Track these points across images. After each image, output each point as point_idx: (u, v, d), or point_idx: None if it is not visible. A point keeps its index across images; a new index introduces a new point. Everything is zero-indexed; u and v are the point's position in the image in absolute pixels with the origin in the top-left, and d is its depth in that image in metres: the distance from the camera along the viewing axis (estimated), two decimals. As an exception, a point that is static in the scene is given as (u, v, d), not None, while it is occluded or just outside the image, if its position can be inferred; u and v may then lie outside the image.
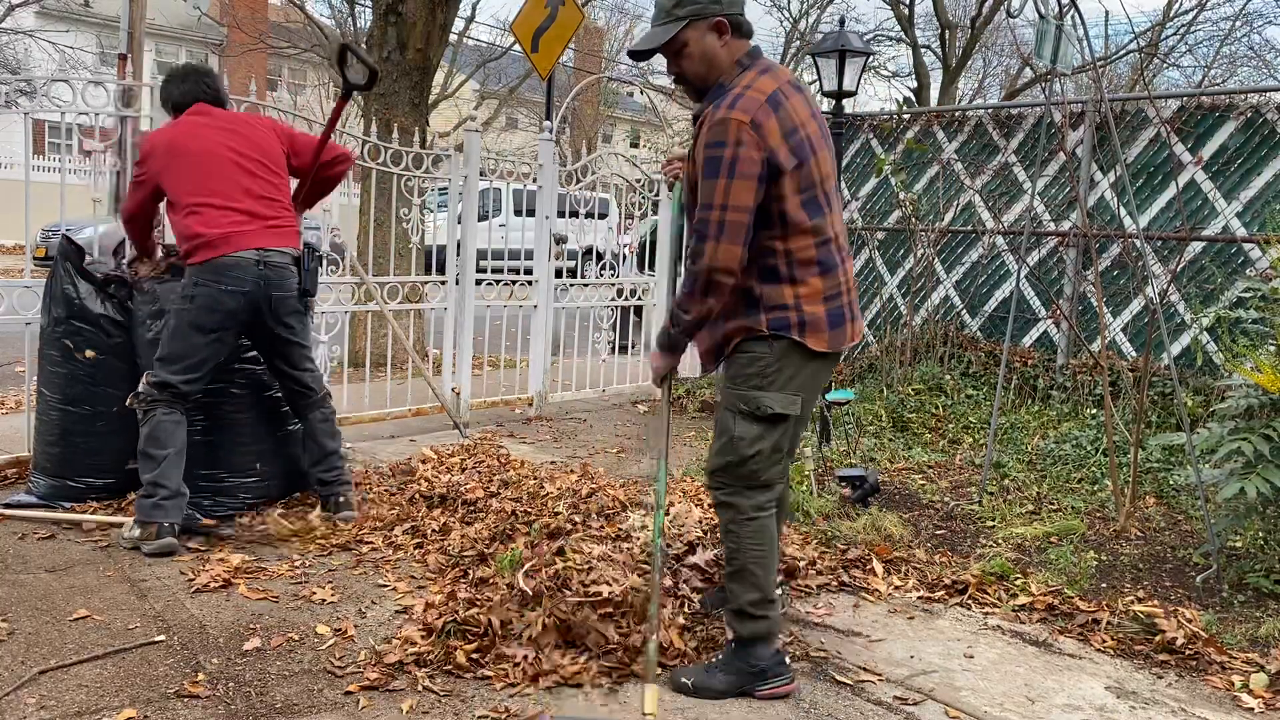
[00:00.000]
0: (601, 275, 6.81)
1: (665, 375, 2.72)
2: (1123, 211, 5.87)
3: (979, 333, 6.62)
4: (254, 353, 3.85)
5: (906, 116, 7.24)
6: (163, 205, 3.72)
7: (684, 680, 2.58)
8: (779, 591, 2.71)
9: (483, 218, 8.31)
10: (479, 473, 4.28)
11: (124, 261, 3.94)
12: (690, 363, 7.96)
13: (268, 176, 3.65)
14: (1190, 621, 3.01)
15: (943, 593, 3.35)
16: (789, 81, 2.52)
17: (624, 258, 8.05)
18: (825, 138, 2.56)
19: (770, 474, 2.59)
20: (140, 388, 3.53)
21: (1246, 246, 5.51)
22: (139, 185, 3.66)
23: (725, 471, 2.59)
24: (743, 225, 2.41)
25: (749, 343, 2.54)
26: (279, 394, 3.92)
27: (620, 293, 7.00)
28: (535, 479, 4.08)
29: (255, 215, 3.57)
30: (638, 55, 2.63)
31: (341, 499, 3.83)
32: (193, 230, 3.50)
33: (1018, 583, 3.40)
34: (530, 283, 6.16)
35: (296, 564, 3.37)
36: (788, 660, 2.64)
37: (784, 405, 2.53)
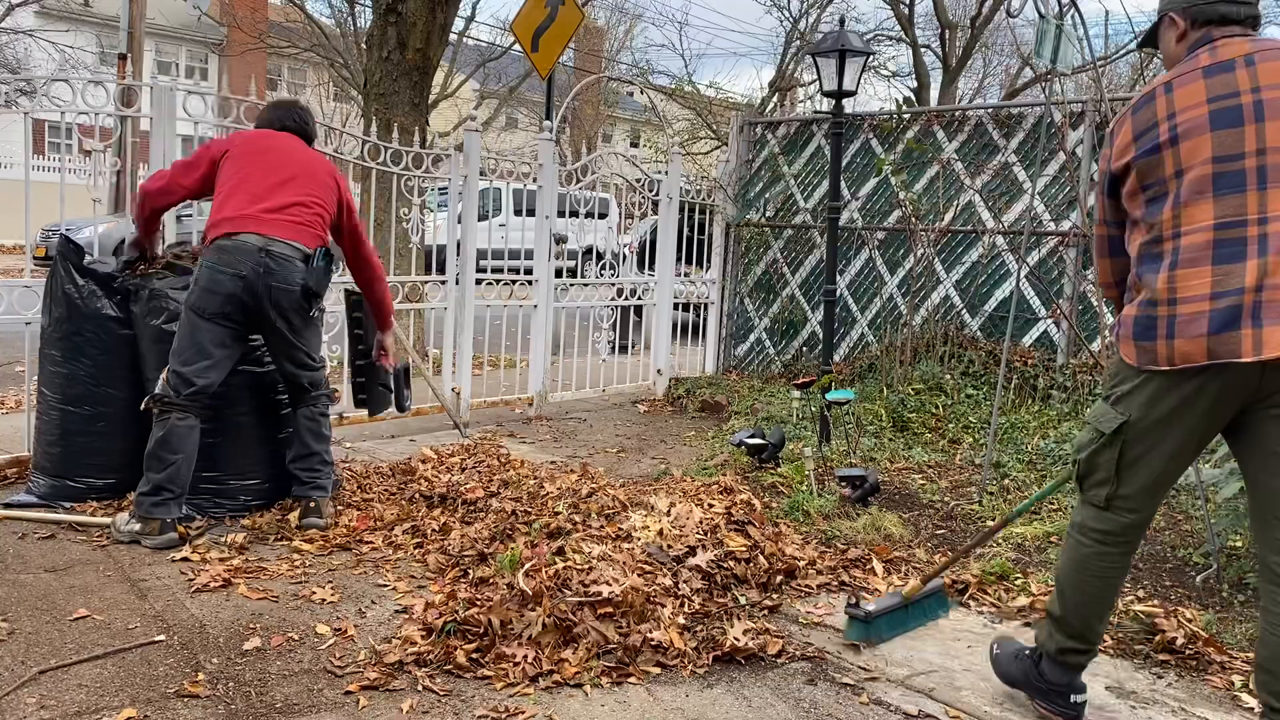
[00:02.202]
0: (601, 275, 6.82)
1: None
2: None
3: (979, 332, 6.62)
4: (257, 354, 3.85)
5: (906, 116, 7.23)
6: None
7: (995, 649, 2.64)
8: (1050, 641, 2.44)
9: (483, 218, 8.33)
10: (479, 472, 4.29)
11: (124, 260, 3.94)
12: (690, 362, 7.97)
13: (306, 196, 3.70)
14: (1190, 621, 3.01)
15: (943, 592, 3.35)
16: (1204, 66, 2.19)
17: (624, 258, 8.05)
18: (1245, 117, 2.11)
19: (1093, 494, 2.35)
20: (158, 388, 3.55)
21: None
22: (193, 163, 3.72)
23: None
24: (1102, 238, 2.41)
25: None
26: (283, 395, 3.92)
27: (620, 293, 7.01)
28: (535, 479, 4.08)
29: (275, 209, 3.61)
30: (1144, 42, 2.47)
31: (311, 504, 3.74)
32: (214, 217, 3.59)
33: (1018, 583, 3.40)
34: (530, 282, 6.17)
35: (296, 564, 3.37)
36: (1079, 700, 2.43)
37: (1097, 418, 2.32)
